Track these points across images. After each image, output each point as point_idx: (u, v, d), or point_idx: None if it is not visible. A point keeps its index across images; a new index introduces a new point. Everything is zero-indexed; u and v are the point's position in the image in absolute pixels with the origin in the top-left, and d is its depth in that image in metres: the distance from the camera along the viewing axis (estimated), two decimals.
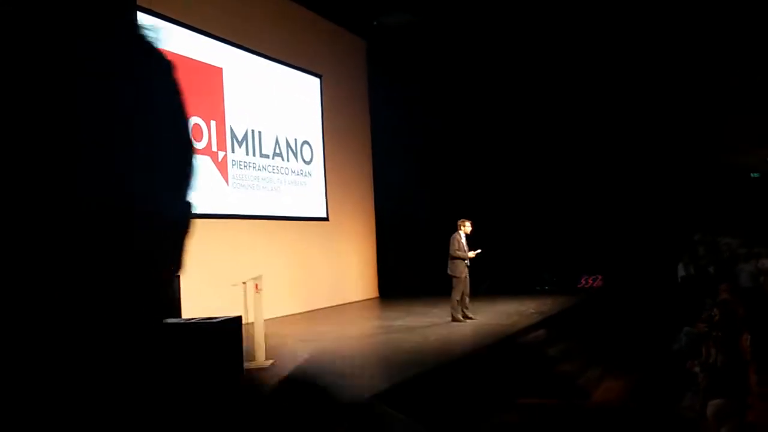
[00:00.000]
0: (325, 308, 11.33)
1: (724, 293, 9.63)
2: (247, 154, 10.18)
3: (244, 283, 6.18)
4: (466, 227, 9.14)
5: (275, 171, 10.85)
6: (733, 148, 17.41)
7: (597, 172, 15.45)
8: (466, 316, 9.01)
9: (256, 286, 6.15)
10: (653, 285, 13.61)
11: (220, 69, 9.77)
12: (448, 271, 9.08)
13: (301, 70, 11.67)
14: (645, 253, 15.11)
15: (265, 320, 6.27)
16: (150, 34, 0.35)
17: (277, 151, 10.95)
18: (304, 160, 11.68)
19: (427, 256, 12.50)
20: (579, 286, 14.63)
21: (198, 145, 9.20)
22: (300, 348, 7.35)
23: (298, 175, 11.47)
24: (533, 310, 10.11)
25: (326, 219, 12.11)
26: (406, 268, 13.58)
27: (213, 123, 9.50)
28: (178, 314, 5.67)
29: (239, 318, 5.19)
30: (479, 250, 9.12)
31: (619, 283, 14.03)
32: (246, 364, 5.63)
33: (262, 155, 10.54)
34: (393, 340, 7.65)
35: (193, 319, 5.00)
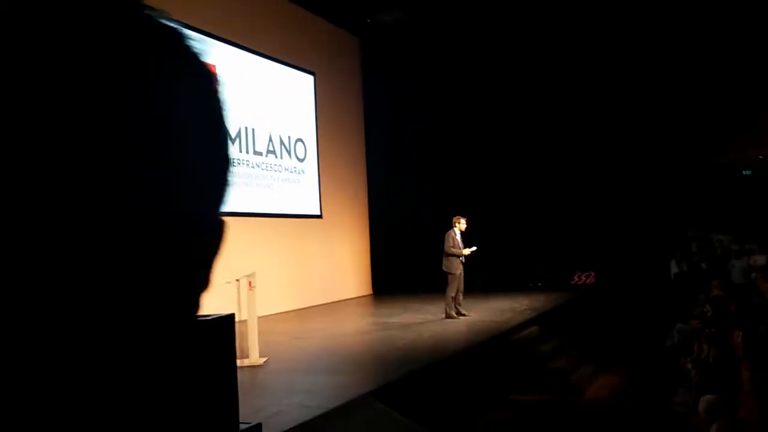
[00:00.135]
0: (320, 305, 11.32)
1: (716, 290, 9.71)
2: (241, 151, 10.16)
3: (237, 280, 6.16)
4: (461, 224, 9.15)
5: (269, 168, 10.83)
6: (725, 145, 17.50)
7: (590, 169, 15.51)
8: (459, 313, 9.03)
9: (250, 283, 6.13)
10: (646, 281, 13.68)
11: (213, 66, 9.71)
12: (443, 268, 9.09)
13: (294, 68, 11.65)
14: (638, 250, 15.18)
15: (259, 318, 6.25)
16: (197, 46, 0.35)
17: (271, 148, 10.93)
18: (297, 158, 11.66)
19: (421, 253, 12.51)
20: (572, 282, 14.68)
21: None
22: (294, 345, 7.36)
23: (291, 172, 11.45)
24: (526, 307, 10.14)
25: (320, 216, 12.10)
26: (400, 264, 13.59)
27: None
28: None
29: (232, 315, 5.17)
30: (474, 248, 9.12)
31: (612, 280, 14.08)
32: (239, 362, 5.62)
33: (255, 152, 10.52)
34: (387, 337, 7.66)
35: None
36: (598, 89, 14.46)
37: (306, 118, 11.97)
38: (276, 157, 11.04)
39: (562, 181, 15.49)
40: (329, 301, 11.76)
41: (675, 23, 11.93)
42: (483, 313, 9.43)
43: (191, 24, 9.24)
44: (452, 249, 9.01)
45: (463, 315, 9.04)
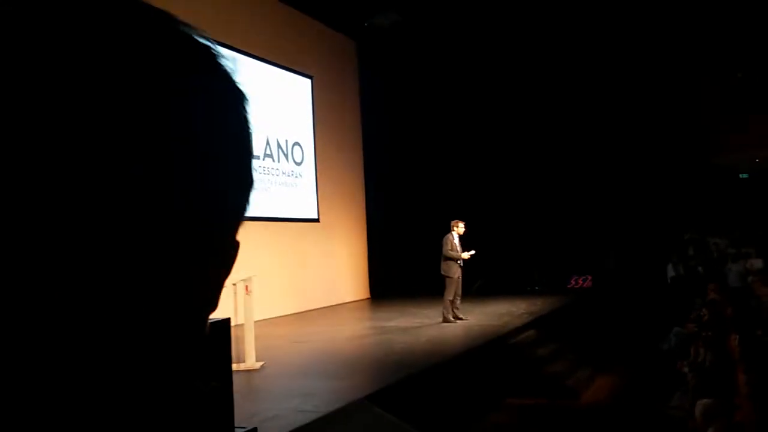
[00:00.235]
0: (317, 309, 11.31)
1: (712, 293, 9.72)
2: None
3: (234, 284, 6.15)
4: (459, 228, 9.14)
5: (266, 172, 10.82)
6: (722, 148, 17.53)
7: (587, 173, 15.53)
8: (457, 317, 9.02)
9: (246, 287, 6.12)
10: (643, 285, 13.68)
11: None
12: (442, 272, 9.08)
13: (291, 71, 11.66)
14: (635, 254, 15.20)
15: (256, 322, 6.25)
16: (228, 65, 0.35)
17: (268, 152, 10.93)
18: (295, 162, 11.66)
19: (419, 257, 12.51)
20: (569, 286, 14.68)
21: None
22: (291, 349, 7.35)
23: (289, 176, 11.45)
24: (524, 311, 10.14)
25: (317, 220, 12.10)
26: (397, 268, 13.59)
27: None
28: None
29: (227, 320, 5.16)
30: (473, 251, 9.11)
31: (609, 284, 14.09)
32: (235, 366, 5.61)
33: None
34: (384, 341, 7.66)
35: None
36: (594, 93, 14.50)
37: (303, 122, 11.97)
38: (273, 160, 11.04)
39: (559, 185, 15.51)
40: (327, 304, 11.75)
41: (672, 27, 11.97)
42: (480, 317, 9.43)
43: None
44: (450, 252, 9.01)
45: (461, 319, 9.03)
